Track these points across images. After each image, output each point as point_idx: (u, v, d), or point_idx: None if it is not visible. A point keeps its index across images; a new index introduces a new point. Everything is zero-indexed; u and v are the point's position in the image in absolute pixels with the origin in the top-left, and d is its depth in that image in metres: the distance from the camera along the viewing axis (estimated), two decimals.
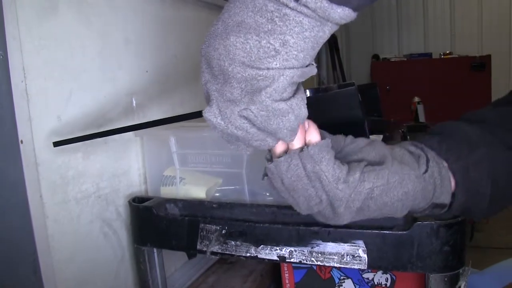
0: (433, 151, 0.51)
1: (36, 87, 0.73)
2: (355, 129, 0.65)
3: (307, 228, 0.71)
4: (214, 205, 0.81)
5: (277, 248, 0.74)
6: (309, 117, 0.49)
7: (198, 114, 0.45)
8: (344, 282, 1.01)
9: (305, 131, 0.47)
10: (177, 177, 0.89)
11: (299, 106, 0.42)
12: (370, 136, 0.66)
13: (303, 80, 0.42)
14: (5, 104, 0.68)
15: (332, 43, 2.90)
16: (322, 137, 0.49)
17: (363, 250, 0.69)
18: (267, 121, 0.42)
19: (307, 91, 0.50)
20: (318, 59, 2.97)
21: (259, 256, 0.75)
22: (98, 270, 0.89)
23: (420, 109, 2.56)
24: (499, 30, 3.38)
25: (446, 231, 0.66)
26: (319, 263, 0.71)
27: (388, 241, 0.67)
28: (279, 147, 0.47)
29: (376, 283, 0.98)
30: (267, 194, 0.84)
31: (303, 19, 0.38)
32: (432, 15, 3.59)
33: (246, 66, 0.39)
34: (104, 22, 0.89)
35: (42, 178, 0.75)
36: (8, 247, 0.71)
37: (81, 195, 0.84)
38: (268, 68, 0.39)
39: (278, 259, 0.74)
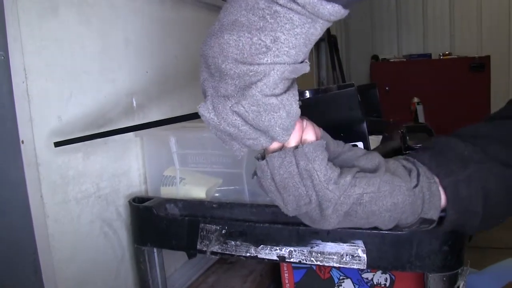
0: (424, 166, 0.51)
1: (37, 88, 0.73)
2: (355, 130, 0.66)
3: (307, 228, 0.72)
4: (214, 205, 0.82)
5: (277, 248, 0.74)
6: (308, 118, 0.50)
7: (198, 115, 0.46)
8: (343, 282, 1.01)
9: (303, 130, 0.47)
10: (177, 177, 0.89)
11: (290, 102, 0.43)
12: (370, 137, 0.67)
13: (296, 76, 0.43)
14: (6, 104, 0.68)
15: (331, 44, 2.90)
16: (321, 137, 0.50)
17: (362, 250, 0.69)
18: (259, 117, 0.42)
19: (306, 92, 0.50)
20: (317, 59, 2.98)
21: (259, 256, 0.75)
22: (98, 270, 0.89)
23: (420, 109, 2.56)
24: (498, 31, 3.39)
25: (444, 231, 0.66)
26: (318, 263, 0.72)
27: (387, 241, 0.68)
28: (274, 145, 0.47)
29: (375, 283, 0.99)
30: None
31: (293, 16, 0.39)
32: (432, 16, 3.59)
33: (239, 63, 0.40)
34: (104, 23, 0.89)
35: (42, 178, 0.75)
36: (9, 246, 0.72)
37: (82, 195, 0.84)
38: (259, 64, 0.40)
39: (277, 259, 0.74)
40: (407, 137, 1.08)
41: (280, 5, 0.39)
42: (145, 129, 0.65)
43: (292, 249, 0.73)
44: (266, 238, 0.75)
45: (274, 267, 1.13)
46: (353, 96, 0.57)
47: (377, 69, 3.49)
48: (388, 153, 0.96)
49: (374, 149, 0.94)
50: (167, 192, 0.90)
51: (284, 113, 0.42)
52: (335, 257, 0.70)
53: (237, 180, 0.86)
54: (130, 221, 0.92)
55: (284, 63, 0.40)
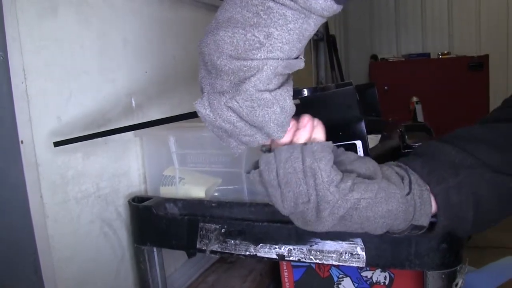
0: (416, 174, 0.51)
1: (36, 88, 0.73)
2: (353, 129, 0.66)
3: None
4: (213, 205, 0.82)
5: (276, 247, 0.74)
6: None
7: (197, 114, 0.46)
8: (342, 280, 1.01)
9: (313, 129, 0.48)
10: (177, 177, 0.90)
11: (284, 97, 0.43)
12: (368, 136, 0.67)
13: (290, 72, 0.43)
14: (5, 104, 0.69)
15: (330, 44, 2.90)
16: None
17: (361, 248, 0.69)
18: (253, 112, 0.42)
19: (304, 90, 0.51)
20: (316, 59, 2.98)
21: (258, 254, 0.75)
22: (98, 270, 0.89)
23: (419, 108, 2.56)
24: (497, 30, 3.39)
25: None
26: (317, 261, 0.72)
27: (386, 239, 0.68)
28: (284, 140, 0.47)
29: (374, 281, 0.99)
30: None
31: (286, 11, 0.39)
32: (430, 15, 3.59)
33: (233, 58, 0.41)
34: (103, 23, 0.89)
35: (42, 178, 0.75)
36: (9, 246, 0.72)
37: (81, 195, 0.84)
38: (252, 59, 0.40)
39: (277, 257, 0.74)
40: (406, 136, 1.09)
41: (273, 1, 0.39)
42: (144, 128, 0.65)
43: (291, 247, 0.73)
44: (265, 236, 0.75)
45: (274, 266, 1.14)
46: (351, 95, 0.57)
47: (376, 69, 3.49)
48: (386, 152, 0.96)
49: (373, 148, 0.94)
50: (166, 191, 0.91)
51: (278, 109, 0.43)
52: (334, 255, 0.71)
53: (236, 179, 0.86)
54: (130, 221, 0.93)
55: (278, 59, 0.41)
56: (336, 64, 2.93)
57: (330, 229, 0.48)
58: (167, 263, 0.95)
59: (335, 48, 2.96)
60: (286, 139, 0.47)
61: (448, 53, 3.39)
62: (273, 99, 0.42)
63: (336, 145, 0.51)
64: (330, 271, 1.02)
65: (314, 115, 0.50)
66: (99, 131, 0.77)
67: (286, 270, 1.04)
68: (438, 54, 3.40)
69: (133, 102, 0.98)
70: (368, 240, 0.69)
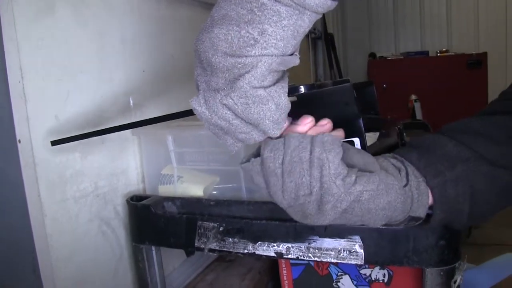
0: (412, 166, 0.52)
1: (33, 87, 0.73)
2: (351, 126, 0.66)
3: (304, 225, 0.72)
4: (211, 203, 0.82)
5: (275, 245, 0.74)
6: (306, 114, 0.50)
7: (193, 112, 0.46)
8: (341, 278, 1.01)
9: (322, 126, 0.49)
10: (175, 176, 0.90)
11: (279, 93, 0.43)
12: (367, 134, 0.67)
13: (285, 68, 0.43)
14: (2, 104, 0.68)
15: (328, 42, 2.90)
16: None
17: (359, 245, 0.69)
18: (248, 109, 0.42)
19: (301, 87, 0.51)
20: (314, 57, 2.98)
21: (257, 252, 0.75)
22: (97, 269, 0.89)
23: (417, 106, 2.57)
24: (495, 27, 3.39)
25: (441, 226, 0.66)
26: (316, 258, 0.72)
27: (385, 236, 0.68)
28: (298, 128, 0.48)
29: (373, 279, 0.99)
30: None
31: (280, 8, 0.39)
32: (429, 13, 3.60)
33: (227, 55, 0.41)
34: (100, 22, 0.89)
35: (40, 177, 0.75)
36: (7, 246, 0.72)
37: (80, 194, 0.84)
38: (246, 56, 0.40)
39: (275, 255, 0.74)
40: (404, 134, 1.09)
41: None
42: (141, 126, 0.65)
43: (289, 245, 0.73)
44: (264, 234, 0.75)
45: (273, 264, 1.14)
46: (349, 92, 0.57)
47: (375, 67, 3.50)
48: (385, 150, 0.96)
49: (371, 146, 0.94)
50: (165, 190, 0.91)
51: (273, 105, 0.43)
52: (333, 252, 0.71)
53: (234, 177, 0.86)
54: (128, 220, 0.92)
55: (272, 55, 0.41)
56: (334, 63, 2.93)
57: (332, 222, 0.48)
58: (165, 262, 0.95)
59: (333, 47, 2.96)
60: (302, 128, 0.48)
61: (446, 51, 3.40)
62: (268, 96, 0.42)
63: None
64: (329, 269, 1.02)
65: (311, 112, 0.50)
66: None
67: (285, 268, 1.04)
68: (437, 52, 3.41)
69: (131, 101, 0.98)
70: (366, 237, 0.69)
